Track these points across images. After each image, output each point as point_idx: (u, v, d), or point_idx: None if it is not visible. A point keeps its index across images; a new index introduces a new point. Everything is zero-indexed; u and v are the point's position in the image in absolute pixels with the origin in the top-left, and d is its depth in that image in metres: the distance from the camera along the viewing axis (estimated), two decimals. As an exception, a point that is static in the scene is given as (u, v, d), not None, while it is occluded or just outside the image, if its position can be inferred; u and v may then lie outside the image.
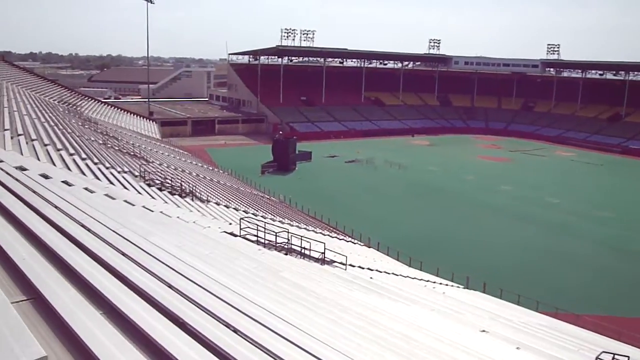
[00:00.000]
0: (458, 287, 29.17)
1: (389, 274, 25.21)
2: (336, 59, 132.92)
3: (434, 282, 27.73)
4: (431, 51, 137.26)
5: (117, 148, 43.99)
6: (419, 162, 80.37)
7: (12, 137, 26.36)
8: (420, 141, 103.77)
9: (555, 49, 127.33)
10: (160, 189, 29.90)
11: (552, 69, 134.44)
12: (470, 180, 69.92)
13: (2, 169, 13.61)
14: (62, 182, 17.21)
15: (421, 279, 27.37)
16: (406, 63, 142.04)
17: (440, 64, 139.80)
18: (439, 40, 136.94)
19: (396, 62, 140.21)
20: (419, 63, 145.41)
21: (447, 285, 28.35)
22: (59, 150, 29.26)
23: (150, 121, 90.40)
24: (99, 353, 4.87)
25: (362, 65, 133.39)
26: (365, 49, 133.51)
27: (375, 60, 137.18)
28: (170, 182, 32.94)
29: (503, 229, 49.01)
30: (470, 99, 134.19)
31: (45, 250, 7.73)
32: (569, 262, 40.86)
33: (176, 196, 29.37)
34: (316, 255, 20.85)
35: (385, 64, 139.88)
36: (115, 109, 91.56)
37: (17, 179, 12.84)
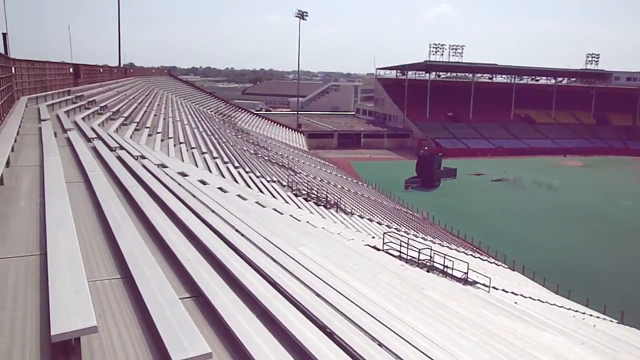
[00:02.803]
0: (611, 321, 27.19)
1: (534, 300, 24.11)
2: (485, 75, 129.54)
3: (584, 313, 26.09)
4: (588, 66, 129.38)
5: (266, 158, 45.96)
6: (570, 183, 75.91)
7: (174, 145, 28.49)
8: (572, 162, 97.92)
9: None
10: (306, 200, 30.82)
11: None
12: (628, 206, 64.76)
13: (167, 174, 14.72)
14: (218, 188, 18.33)
15: (569, 309, 25.87)
16: (560, 79, 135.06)
17: (598, 80, 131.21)
18: (597, 55, 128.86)
19: (549, 78, 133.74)
20: (574, 79, 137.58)
21: (598, 317, 26.53)
22: (214, 158, 31.18)
23: (298, 133, 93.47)
24: (256, 356, 5.14)
25: (513, 82, 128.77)
26: (516, 64, 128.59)
27: (526, 76, 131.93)
28: (316, 193, 33.83)
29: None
30: (632, 118, 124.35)
31: (205, 252, 8.24)
32: None
33: (321, 207, 30.11)
34: (459, 274, 20.47)
35: (537, 80, 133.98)
36: (266, 120, 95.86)
37: (179, 184, 13.82)
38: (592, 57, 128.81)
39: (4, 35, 24.51)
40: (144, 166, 14.42)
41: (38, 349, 4.16)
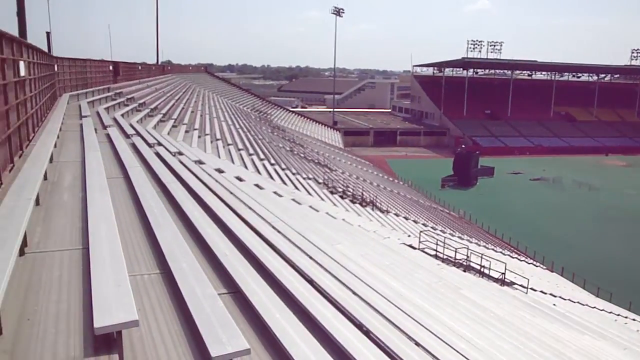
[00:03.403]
0: (655, 326, 26.52)
1: (573, 302, 23.66)
2: (524, 72, 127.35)
3: (626, 317, 25.48)
4: (633, 62, 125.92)
5: (302, 155, 46.07)
6: (612, 183, 74.11)
7: (211, 142, 28.75)
8: (615, 161, 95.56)
9: None
10: (342, 197, 30.81)
11: None
12: (673, 208, 62.97)
13: (204, 171, 14.87)
14: (254, 185, 18.45)
15: (610, 312, 25.32)
16: (602, 75, 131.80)
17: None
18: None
19: (591, 74, 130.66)
20: (617, 76, 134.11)
21: (641, 321, 25.92)
22: (250, 155, 31.40)
23: (334, 130, 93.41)
24: (293, 353, 5.15)
25: (553, 78, 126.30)
26: (556, 60, 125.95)
27: (567, 73, 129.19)
28: (351, 190, 33.80)
29: None
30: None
31: (242, 248, 8.30)
32: None
33: (357, 205, 30.06)
34: (495, 275, 20.22)
35: (579, 77, 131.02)
36: (302, 117, 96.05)
37: (216, 180, 13.95)
38: (637, 52, 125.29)
39: (48, 34, 25.09)
40: (181, 162, 14.59)
41: (82, 340, 4.24)
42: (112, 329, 4.13)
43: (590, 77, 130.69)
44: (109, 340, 4.20)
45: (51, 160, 10.63)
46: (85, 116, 18.40)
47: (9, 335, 4.28)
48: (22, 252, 6.01)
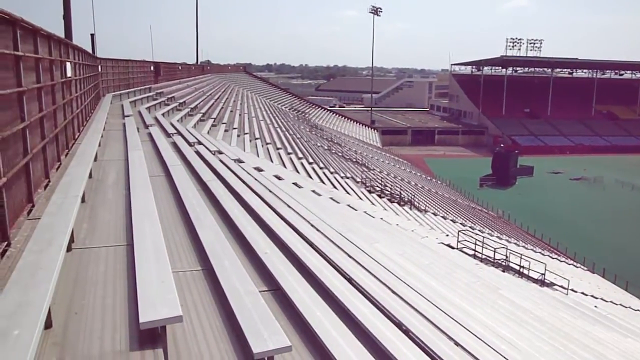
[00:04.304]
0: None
1: (615, 304, 23.16)
2: (565, 70, 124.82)
3: (671, 320, 24.83)
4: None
5: (340, 154, 46.09)
6: (657, 183, 72.25)
7: (250, 140, 29.02)
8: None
9: None
10: (380, 196, 30.74)
11: None
12: None
13: (244, 169, 15.03)
14: (293, 183, 18.56)
15: (655, 314, 24.70)
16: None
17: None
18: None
19: (634, 72, 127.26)
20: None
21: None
22: (289, 154, 31.55)
23: (372, 129, 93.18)
24: (334, 351, 5.19)
25: (594, 76, 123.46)
26: (598, 58, 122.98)
27: (609, 71, 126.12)
28: (389, 189, 33.70)
29: None
30: None
31: (282, 246, 8.37)
32: None
33: (395, 204, 29.96)
34: (535, 275, 19.94)
35: (621, 75, 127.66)
36: (340, 116, 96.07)
37: (255, 179, 14.09)
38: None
39: (92, 35, 25.66)
40: (221, 161, 14.78)
41: (127, 335, 4.35)
42: (157, 324, 4.23)
43: (633, 75, 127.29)
44: (154, 335, 4.29)
45: (96, 158, 10.89)
46: (128, 115, 18.77)
47: (59, 328, 4.42)
48: (69, 248, 6.17)
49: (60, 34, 18.68)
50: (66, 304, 4.90)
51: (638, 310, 24.10)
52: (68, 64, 11.83)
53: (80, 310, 4.80)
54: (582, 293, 21.67)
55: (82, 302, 4.95)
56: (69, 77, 11.96)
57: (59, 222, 5.81)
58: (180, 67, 51.56)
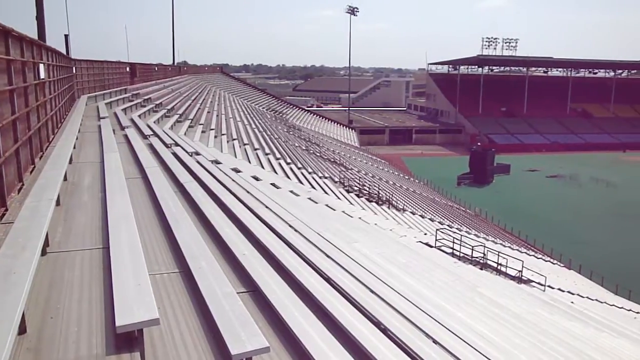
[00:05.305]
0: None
1: (592, 300, 23.49)
2: (540, 68, 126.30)
3: (646, 314, 25.24)
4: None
5: (318, 154, 46.13)
6: (630, 180, 73.25)
7: (227, 141, 28.89)
8: (633, 157, 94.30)
9: None
10: (358, 196, 30.83)
11: None
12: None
13: (221, 170, 14.96)
14: (271, 184, 18.53)
15: (630, 310, 25.08)
16: (620, 71, 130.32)
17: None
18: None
19: (608, 70, 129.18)
20: (635, 71, 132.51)
21: (661, 319, 25.64)
22: (267, 154, 31.50)
23: (350, 129, 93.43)
24: (312, 351, 5.19)
25: (569, 75, 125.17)
26: (572, 57, 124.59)
27: (583, 69, 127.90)
28: (367, 189, 33.79)
29: None
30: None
31: (260, 247, 8.34)
32: None
33: (373, 203, 30.05)
34: (513, 272, 20.14)
35: (595, 73, 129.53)
36: (317, 116, 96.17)
37: (233, 180, 14.03)
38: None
39: (66, 36, 25.36)
40: (198, 162, 14.70)
41: (104, 338, 4.31)
42: (134, 327, 4.19)
43: (607, 73, 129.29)
44: (131, 338, 4.26)
45: (71, 161, 10.76)
46: (104, 117, 18.59)
47: (33, 333, 4.37)
48: (44, 252, 6.10)
49: (33, 35, 18.44)
50: (41, 308, 4.84)
51: (613, 305, 24.46)
52: (41, 66, 11.67)
53: (55, 314, 4.74)
54: (559, 289, 21.94)
55: (57, 307, 4.90)
56: (43, 79, 11.80)
57: (33, 226, 5.74)
58: (156, 68, 51.16)
